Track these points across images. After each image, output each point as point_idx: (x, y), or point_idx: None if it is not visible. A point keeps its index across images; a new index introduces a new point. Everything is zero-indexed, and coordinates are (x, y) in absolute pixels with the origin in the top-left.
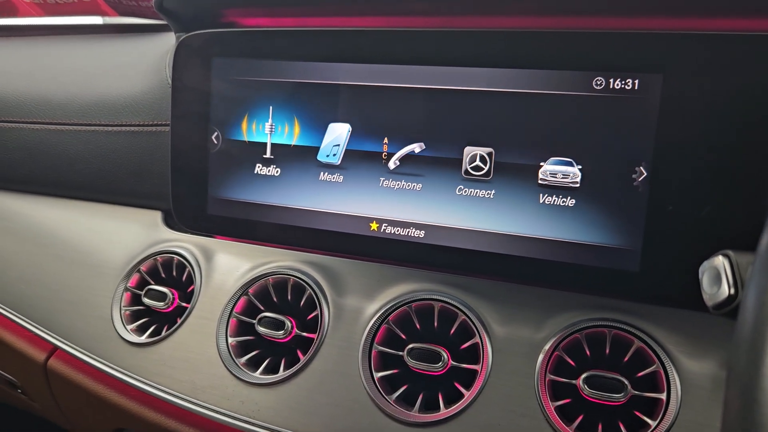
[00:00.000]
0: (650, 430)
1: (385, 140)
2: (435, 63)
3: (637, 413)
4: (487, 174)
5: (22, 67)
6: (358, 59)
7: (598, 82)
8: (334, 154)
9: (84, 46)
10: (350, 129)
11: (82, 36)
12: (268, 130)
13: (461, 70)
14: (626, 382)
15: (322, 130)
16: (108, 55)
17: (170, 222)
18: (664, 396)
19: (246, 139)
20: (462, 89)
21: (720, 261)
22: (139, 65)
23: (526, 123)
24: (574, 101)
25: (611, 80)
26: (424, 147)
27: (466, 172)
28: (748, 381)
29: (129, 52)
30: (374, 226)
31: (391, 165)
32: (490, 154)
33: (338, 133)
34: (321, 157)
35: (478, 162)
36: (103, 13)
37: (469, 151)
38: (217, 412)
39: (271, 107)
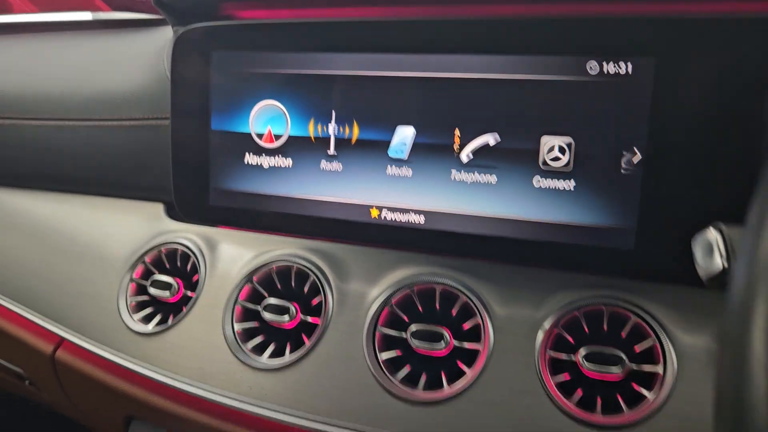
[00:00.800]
0: (647, 402)
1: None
2: (426, 51)
3: (635, 386)
4: (490, 160)
5: (20, 64)
6: (361, 49)
7: (592, 67)
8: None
9: (81, 43)
10: (354, 119)
11: (79, 32)
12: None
13: (452, 58)
14: (624, 356)
15: (327, 120)
16: (105, 51)
17: (173, 214)
18: (660, 369)
19: (252, 131)
20: (454, 77)
21: (712, 234)
22: (137, 60)
23: (523, 108)
24: (570, 86)
25: (604, 64)
26: (415, 133)
27: (469, 159)
28: (738, 344)
29: (126, 47)
30: (375, 213)
31: (391, 153)
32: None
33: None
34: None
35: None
36: (97, 9)
37: (470, 137)
38: (225, 396)
39: (278, 100)
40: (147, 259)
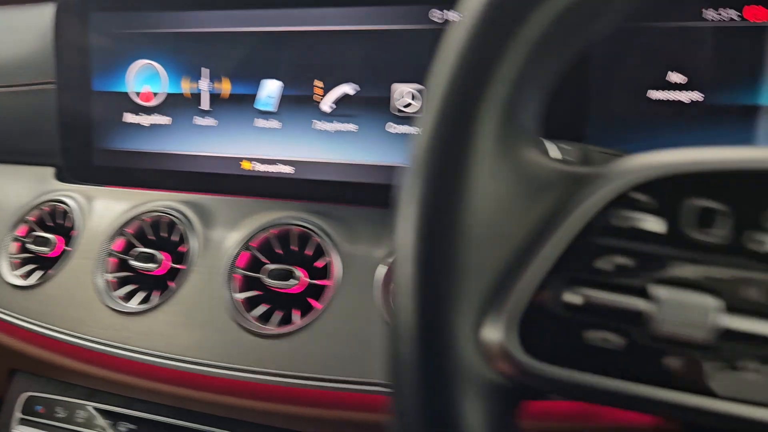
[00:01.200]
0: None
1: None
2: (284, 6)
3: None
4: (350, 109)
5: None
6: (226, 6)
7: (436, 15)
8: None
9: None
10: (224, 74)
11: None
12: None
13: (308, 11)
14: None
15: (199, 76)
16: None
17: (63, 177)
18: None
19: (130, 90)
20: (312, 30)
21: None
22: (27, 30)
23: (375, 58)
24: (416, 34)
25: (446, 12)
26: (283, 86)
27: (332, 109)
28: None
29: (17, 20)
30: (246, 165)
31: (259, 106)
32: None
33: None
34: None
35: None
36: None
37: (331, 88)
38: (95, 342)
39: (152, 58)
40: (30, 217)
